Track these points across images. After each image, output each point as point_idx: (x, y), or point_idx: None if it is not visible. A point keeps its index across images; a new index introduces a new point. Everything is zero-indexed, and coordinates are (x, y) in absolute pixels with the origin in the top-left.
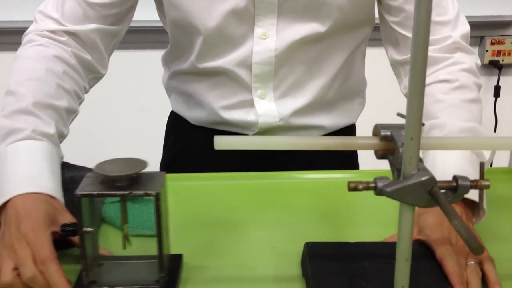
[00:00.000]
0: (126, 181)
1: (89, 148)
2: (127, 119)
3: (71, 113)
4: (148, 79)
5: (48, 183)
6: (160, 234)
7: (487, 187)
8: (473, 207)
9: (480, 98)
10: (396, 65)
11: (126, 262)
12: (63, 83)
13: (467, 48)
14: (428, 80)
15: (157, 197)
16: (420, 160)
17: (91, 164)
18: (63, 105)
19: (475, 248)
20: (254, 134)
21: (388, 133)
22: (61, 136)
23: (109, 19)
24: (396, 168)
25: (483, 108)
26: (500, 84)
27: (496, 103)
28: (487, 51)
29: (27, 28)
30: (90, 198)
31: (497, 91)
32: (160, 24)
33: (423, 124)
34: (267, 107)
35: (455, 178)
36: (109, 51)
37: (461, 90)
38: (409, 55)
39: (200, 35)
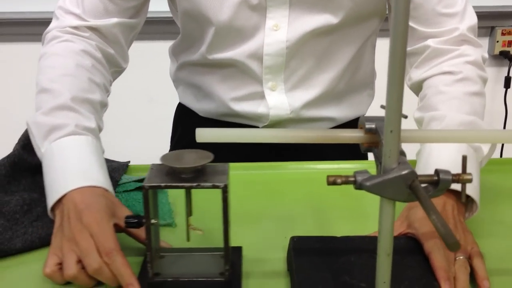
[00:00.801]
0: (191, 173)
1: None
2: (135, 110)
3: (104, 106)
4: (157, 70)
5: (100, 177)
6: (226, 227)
7: (469, 181)
8: (467, 201)
9: (484, 92)
10: None
11: (187, 254)
12: (94, 77)
13: (474, 40)
14: (432, 71)
15: (225, 189)
16: (402, 154)
17: None
18: (97, 98)
19: (451, 244)
20: (264, 127)
21: (373, 126)
22: (99, 130)
23: (129, 12)
24: (379, 161)
25: (494, 99)
26: (510, 75)
27: (506, 94)
28: (497, 41)
29: (29, 19)
30: (156, 190)
31: (507, 82)
32: (170, 15)
33: (406, 117)
34: (278, 100)
35: (437, 172)
36: (128, 44)
37: (464, 82)
38: (414, 46)
39: (212, 26)
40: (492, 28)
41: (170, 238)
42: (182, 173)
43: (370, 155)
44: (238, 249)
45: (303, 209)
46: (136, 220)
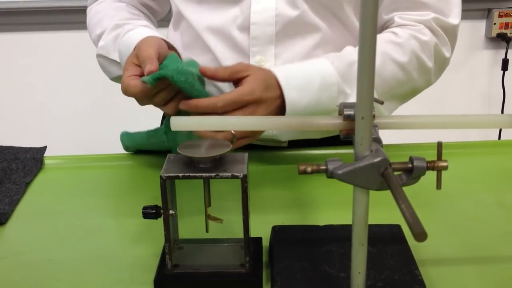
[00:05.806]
0: (210, 162)
1: (97, 128)
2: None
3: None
4: None
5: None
6: (246, 217)
7: (445, 168)
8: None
9: (408, 70)
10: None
11: (206, 245)
12: (130, 9)
13: (440, 34)
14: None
15: (244, 179)
16: (378, 141)
17: (98, 143)
18: (142, 21)
19: (418, 234)
20: None
21: (351, 112)
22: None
23: None
24: None
25: (491, 82)
26: (508, 57)
27: (504, 76)
28: (494, 24)
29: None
30: (173, 180)
31: (505, 64)
32: None
33: (382, 102)
34: None
35: (411, 159)
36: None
37: (393, 46)
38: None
39: None
40: (489, 10)
41: (189, 229)
42: (200, 163)
43: None
44: (258, 240)
45: (289, 197)
46: (154, 211)
